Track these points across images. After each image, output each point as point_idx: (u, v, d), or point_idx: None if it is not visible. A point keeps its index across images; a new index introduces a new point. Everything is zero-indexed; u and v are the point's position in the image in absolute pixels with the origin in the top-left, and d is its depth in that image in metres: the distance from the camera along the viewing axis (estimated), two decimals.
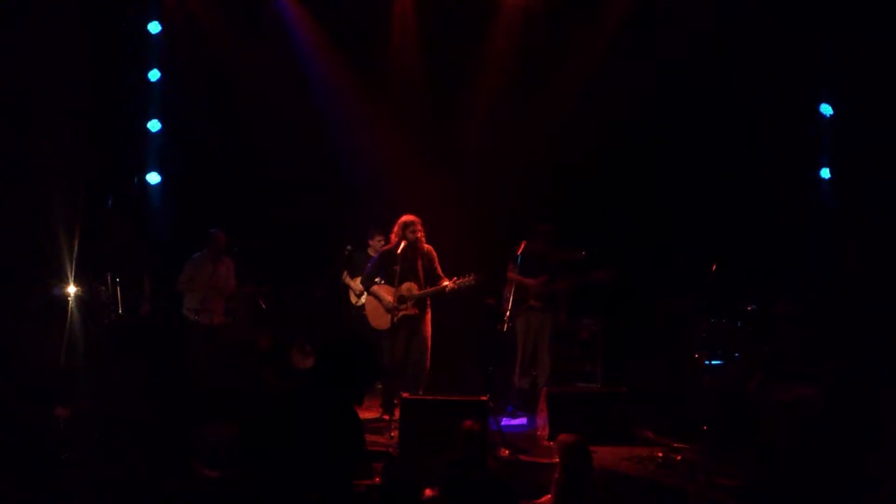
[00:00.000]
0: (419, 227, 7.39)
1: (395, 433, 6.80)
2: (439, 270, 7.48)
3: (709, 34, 8.20)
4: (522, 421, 7.69)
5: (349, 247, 8.81)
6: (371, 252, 8.36)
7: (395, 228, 7.46)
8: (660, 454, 6.43)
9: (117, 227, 8.46)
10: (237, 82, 9.46)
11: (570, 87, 9.05)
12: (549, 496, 5.19)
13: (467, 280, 7.20)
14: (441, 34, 9.21)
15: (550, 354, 7.98)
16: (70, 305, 7.74)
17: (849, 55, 7.55)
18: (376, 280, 7.63)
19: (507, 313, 7.31)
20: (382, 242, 8.48)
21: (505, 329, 7.38)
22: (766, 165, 8.14)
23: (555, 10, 8.97)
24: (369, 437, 6.90)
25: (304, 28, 9.45)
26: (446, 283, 7.30)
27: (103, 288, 8.29)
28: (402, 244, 7.34)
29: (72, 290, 7.82)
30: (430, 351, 7.47)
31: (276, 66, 9.50)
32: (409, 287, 7.40)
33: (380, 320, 7.67)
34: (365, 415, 7.53)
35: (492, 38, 9.26)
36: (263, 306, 8.36)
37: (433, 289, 7.38)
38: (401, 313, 7.40)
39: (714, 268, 7.16)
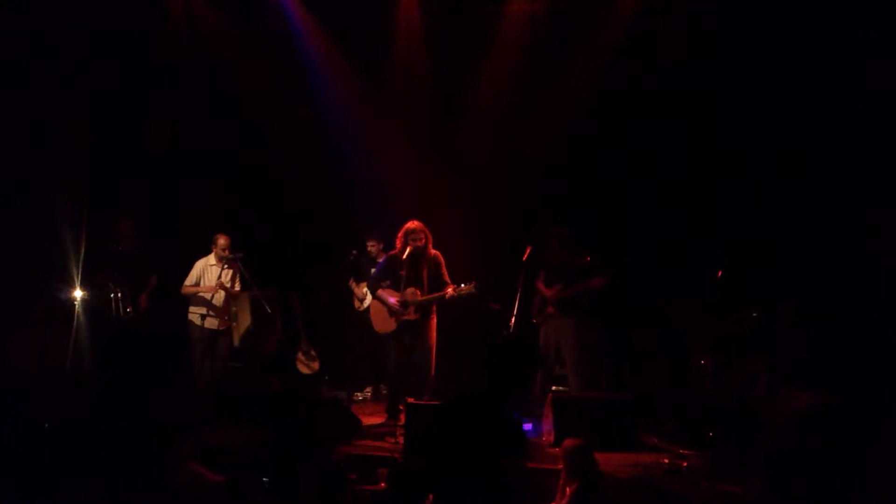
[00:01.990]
0: (422, 235, 7.39)
1: (400, 438, 6.80)
2: (446, 277, 7.48)
3: (711, 38, 8.20)
4: (527, 427, 7.67)
5: (354, 251, 8.84)
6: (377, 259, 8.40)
7: (400, 235, 7.47)
8: (665, 460, 6.43)
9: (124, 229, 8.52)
10: (241, 86, 9.48)
11: (576, 89, 9.04)
12: (555, 502, 5.18)
13: (468, 288, 7.21)
14: (446, 38, 9.21)
15: (580, 367, 7.75)
16: (77, 309, 7.76)
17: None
18: (382, 284, 7.65)
19: (513, 318, 7.32)
20: (379, 247, 8.53)
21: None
22: (769, 168, 8.13)
23: (560, 14, 8.97)
24: (373, 443, 6.92)
25: (309, 32, 9.46)
26: (448, 289, 7.30)
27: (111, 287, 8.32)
28: (408, 249, 7.36)
29: (78, 293, 7.84)
30: (434, 356, 7.46)
31: (280, 69, 9.54)
32: (413, 292, 7.41)
33: (383, 324, 7.68)
34: (370, 420, 7.56)
35: (497, 42, 9.26)
36: (269, 310, 8.36)
37: (434, 295, 7.38)
38: (402, 318, 7.41)
39: (720, 273, 7.16)
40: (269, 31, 9.39)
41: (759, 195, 8.09)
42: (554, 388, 8.39)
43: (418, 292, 7.42)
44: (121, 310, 8.23)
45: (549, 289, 7.86)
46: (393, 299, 7.51)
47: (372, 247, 8.80)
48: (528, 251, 7.55)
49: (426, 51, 9.31)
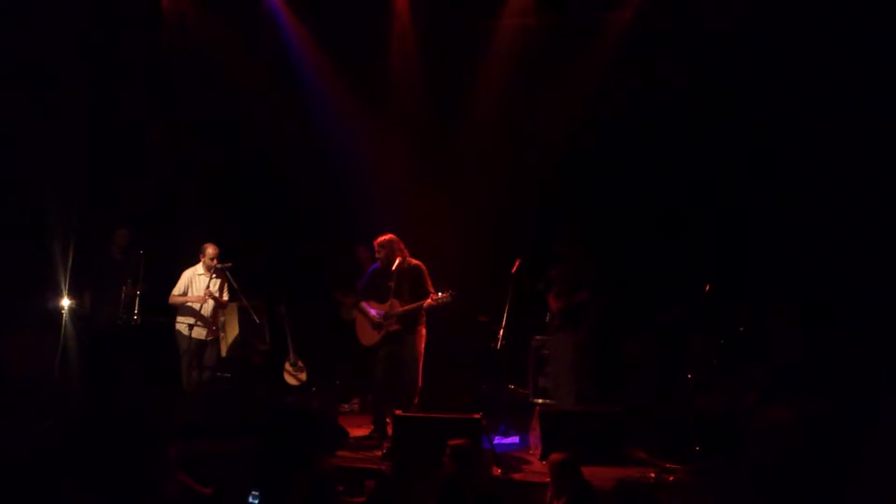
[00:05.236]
0: (386, 249, 7.43)
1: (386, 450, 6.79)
2: (430, 286, 7.48)
3: (706, 47, 8.27)
4: (515, 440, 7.67)
5: (344, 262, 8.85)
6: (364, 268, 8.40)
7: (378, 248, 7.47)
8: (652, 474, 6.42)
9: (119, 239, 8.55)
10: (235, 96, 9.49)
11: (568, 103, 9.08)
12: None
13: (443, 297, 7.23)
14: (440, 52, 9.25)
15: (573, 380, 7.71)
16: (64, 318, 7.73)
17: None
18: (368, 296, 7.66)
19: (501, 331, 7.33)
20: (368, 257, 8.55)
21: (499, 347, 7.39)
22: (760, 183, 8.19)
23: (552, 28, 9.03)
24: (361, 455, 6.90)
25: (304, 45, 9.50)
26: (428, 299, 7.32)
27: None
28: (398, 261, 7.38)
29: (66, 302, 7.80)
30: (421, 367, 7.46)
31: (274, 80, 9.57)
32: (393, 303, 7.44)
33: (366, 337, 7.69)
34: (357, 432, 7.54)
35: (490, 56, 9.31)
36: (257, 321, 8.34)
37: (411, 306, 7.40)
38: (384, 330, 7.44)
39: (707, 288, 7.19)
40: (264, 41, 9.42)
41: (751, 207, 8.16)
42: (541, 400, 8.41)
43: (397, 303, 7.44)
44: (128, 316, 8.24)
45: (555, 302, 7.89)
46: (374, 311, 7.53)
47: (361, 258, 8.80)
48: (517, 264, 7.56)
49: (420, 64, 9.36)
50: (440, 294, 7.25)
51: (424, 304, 7.32)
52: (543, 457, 6.70)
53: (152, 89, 9.35)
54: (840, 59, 7.56)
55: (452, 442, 5.38)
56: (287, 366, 8.89)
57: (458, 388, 8.70)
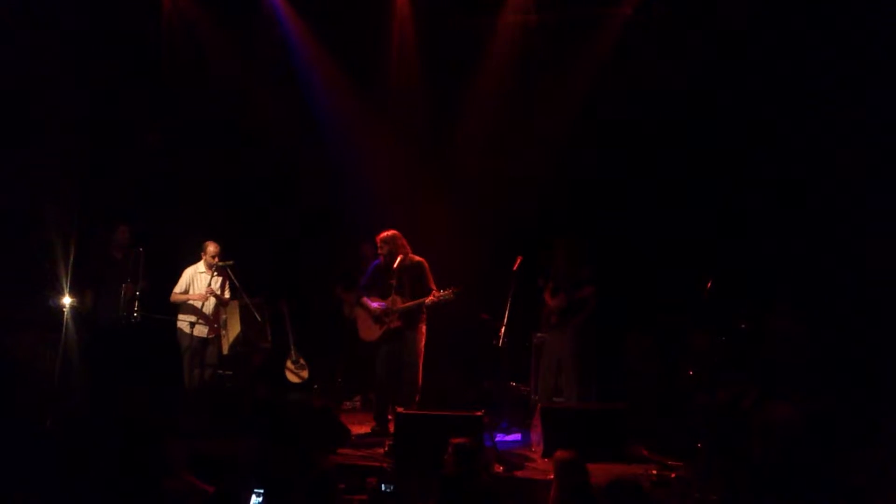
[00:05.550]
0: (390, 244, 7.47)
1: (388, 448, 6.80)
2: (431, 283, 7.50)
3: (706, 47, 8.29)
4: (517, 437, 7.69)
5: (344, 259, 8.86)
6: (365, 265, 8.42)
7: (381, 244, 7.48)
8: (654, 472, 6.44)
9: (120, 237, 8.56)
10: (235, 97, 9.49)
11: (569, 104, 9.10)
12: None
13: (446, 294, 7.25)
14: (440, 47, 9.27)
15: (576, 379, 7.71)
16: (65, 316, 7.72)
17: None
18: (370, 293, 7.67)
19: (503, 329, 7.35)
20: (372, 255, 8.56)
21: (500, 345, 7.40)
22: (763, 178, 8.21)
23: (552, 29, 9.04)
24: (363, 452, 6.90)
25: (304, 45, 9.51)
26: (430, 297, 7.34)
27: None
28: (399, 258, 7.39)
29: (67, 300, 7.80)
30: (422, 364, 7.47)
31: (274, 80, 9.57)
32: (395, 300, 7.45)
33: (367, 332, 7.71)
34: (358, 429, 7.55)
35: (489, 55, 9.32)
36: (259, 318, 8.34)
37: (414, 302, 7.42)
38: (385, 326, 7.46)
39: (709, 285, 7.20)
40: (265, 42, 9.43)
41: (752, 206, 8.18)
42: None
43: (398, 300, 7.45)
44: (128, 314, 8.25)
45: (553, 299, 7.88)
46: (375, 304, 7.55)
47: (366, 254, 8.80)
48: (518, 261, 7.57)
49: (420, 64, 9.37)
50: (442, 291, 7.27)
51: (426, 301, 7.34)
52: (545, 454, 6.71)
53: (152, 90, 9.34)
54: (840, 59, 7.59)
55: (455, 439, 5.38)
56: (289, 363, 8.91)
57: (460, 386, 8.70)
